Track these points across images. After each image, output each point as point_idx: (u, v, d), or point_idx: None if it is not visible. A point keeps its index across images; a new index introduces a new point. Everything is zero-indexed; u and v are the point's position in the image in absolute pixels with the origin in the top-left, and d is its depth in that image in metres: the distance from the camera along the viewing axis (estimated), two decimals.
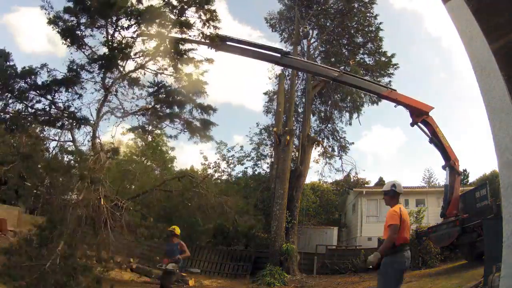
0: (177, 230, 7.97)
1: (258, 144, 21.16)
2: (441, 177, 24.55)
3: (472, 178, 27.35)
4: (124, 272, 12.49)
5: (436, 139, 10.40)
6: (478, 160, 54.33)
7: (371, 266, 4.34)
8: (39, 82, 11.49)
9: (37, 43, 59.13)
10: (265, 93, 22.08)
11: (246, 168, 21.34)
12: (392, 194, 4.41)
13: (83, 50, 11.72)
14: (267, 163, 21.05)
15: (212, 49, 11.58)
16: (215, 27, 11.68)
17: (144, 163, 18.90)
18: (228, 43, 11.36)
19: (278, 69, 20.72)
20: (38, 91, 11.57)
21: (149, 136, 15.38)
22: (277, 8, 22.49)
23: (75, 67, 11.58)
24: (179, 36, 11.74)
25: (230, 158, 20.25)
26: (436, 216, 12.03)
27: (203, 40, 11.64)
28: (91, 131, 12.05)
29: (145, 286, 10.88)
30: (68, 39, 11.36)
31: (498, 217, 6.88)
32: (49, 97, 11.63)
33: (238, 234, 17.39)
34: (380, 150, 57.05)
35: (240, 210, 15.16)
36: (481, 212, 8.94)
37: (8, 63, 11.32)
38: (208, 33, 11.37)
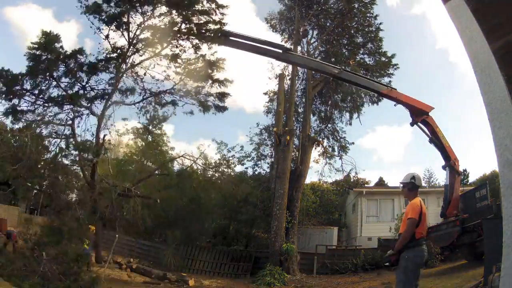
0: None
1: (258, 144, 21.16)
2: (441, 177, 24.55)
3: (472, 178, 27.38)
4: (124, 272, 12.49)
5: (436, 139, 10.40)
6: (478, 160, 54.33)
7: (387, 263, 4.31)
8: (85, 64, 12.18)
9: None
10: (265, 93, 22.11)
11: (247, 168, 21.37)
12: (411, 187, 4.35)
13: (126, 32, 12.42)
14: (267, 163, 21.07)
15: (214, 44, 11.85)
16: (223, 14, 12.35)
17: (144, 163, 18.92)
18: (231, 38, 11.55)
19: (278, 69, 20.76)
20: (81, 72, 12.21)
21: (157, 125, 16.01)
22: (278, 8, 22.51)
23: (116, 47, 12.45)
24: (188, 26, 12.24)
25: (231, 158, 20.24)
26: (436, 216, 12.01)
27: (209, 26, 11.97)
28: (96, 123, 12.29)
29: (145, 286, 10.88)
30: (112, 25, 12.00)
31: (498, 217, 6.89)
32: (87, 78, 12.26)
33: (238, 234, 17.42)
34: (385, 148, 57.13)
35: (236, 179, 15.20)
36: (481, 212, 8.93)
37: (55, 45, 11.66)
38: (218, 20, 11.88)
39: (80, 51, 11.97)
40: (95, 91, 12.74)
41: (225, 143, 20.02)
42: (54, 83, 12.17)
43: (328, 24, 20.51)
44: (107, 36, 12.35)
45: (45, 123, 12.35)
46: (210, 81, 13.80)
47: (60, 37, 11.77)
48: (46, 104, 12.22)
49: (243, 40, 11.52)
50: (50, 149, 13.57)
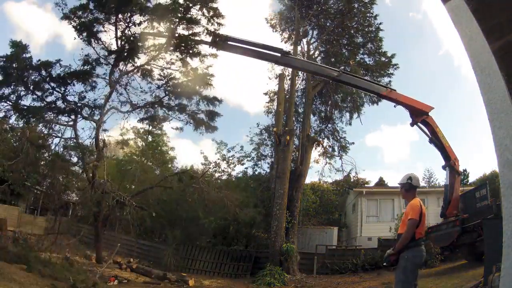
0: None
1: (258, 144, 21.16)
2: (441, 177, 24.53)
3: (472, 178, 27.31)
4: (124, 272, 12.48)
5: (436, 139, 10.40)
6: (478, 160, 54.35)
7: (385, 264, 4.32)
8: (54, 75, 12.08)
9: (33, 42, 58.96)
10: (265, 93, 22.10)
11: (246, 168, 21.39)
12: (408, 187, 4.35)
13: (98, 44, 12.34)
14: (267, 163, 21.07)
15: (213, 49, 11.84)
16: (219, 24, 12.07)
17: (144, 163, 18.93)
18: (229, 43, 11.43)
19: (278, 69, 20.76)
20: (52, 83, 12.09)
21: (157, 126, 16.03)
22: (278, 9, 22.53)
23: (90, 60, 12.15)
24: (185, 33, 12.19)
25: (230, 158, 20.23)
26: (436, 216, 12.01)
27: (207, 37, 12.02)
28: (95, 127, 12.35)
29: (145, 286, 10.88)
30: (83, 34, 11.87)
31: (498, 217, 6.88)
32: (62, 89, 12.20)
33: (238, 234, 17.39)
34: (390, 147, 57.18)
35: (241, 202, 15.25)
36: (481, 212, 8.93)
37: (24, 55, 11.65)
38: (212, 30, 11.83)
39: (48, 63, 11.80)
40: (72, 102, 12.62)
41: (224, 143, 20.02)
42: (29, 92, 12.11)
43: (328, 24, 20.50)
44: (89, 42, 12.19)
45: (47, 122, 12.38)
46: (198, 97, 13.77)
47: (28, 47, 11.80)
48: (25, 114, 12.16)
49: (240, 44, 11.39)
50: (51, 148, 13.64)
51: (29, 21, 52.77)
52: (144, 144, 19.30)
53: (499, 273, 4.24)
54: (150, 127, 15.83)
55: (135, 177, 16.17)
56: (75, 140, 12.65)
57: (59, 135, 12.99)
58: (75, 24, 11.78)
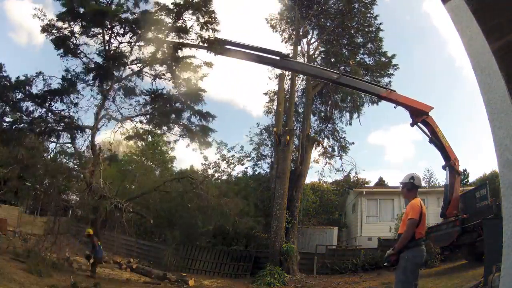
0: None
1: (258, 144, 21.16)
2: (441, 177, 24.54)
3: (472, 178, 27.36)
4: (124, 272, 12.48)
5: (436, 139, 10.41)
6: (478, 160, 54.36)
7: (386, 264, 4.32)
8: (34, 91, 11.60)
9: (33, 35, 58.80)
10: (266, 93, 22.09)
11: (246, 168, 21.38)
12: (410, 187, 4.35)
13: (78, 58, 11.89)
14: (267, 163, 21.08)
15: (210, 53, 11.52)
16: (214, 30, 11.69)
17: (144, 163, 18.89)
18: (227, 47, 11.19)
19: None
20: (33, 101, 11.59)
21: (148, 136, 15.60)
22: (278, 9, 22.53)
23: (69, 77, 11.69)
24: (176, 40, 11.75)
25: (230, 158, 20.24)
26: (436, 216, 12.01)
27: (201, 43, 11.59)
28: (90, 134, 12.16)
29: (145, 286, 10.88)
30: (61, 49, 11.43)
31: (498, 217, 6.88)
32: (45, 105, 11.73)
33: (238, 234, 17.39)
34: (395, 147, 57.21)
35: (241, 211, 15.17)
36: (481, 212, 8.93)
37: (1, 74, 11.25)
38: (207, 37, 11.42)
39: (24, 82, 11.24)
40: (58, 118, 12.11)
41: (225, 143, 20.01)
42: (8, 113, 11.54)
43: (328, 24, 20.49)
44: (65, 56, 11.62)
45: (43, 127, 12.16)
46: (190, 112, 13.35)
47: (4, 66, 11.25)
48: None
49: (238, 48, 11.13)
50: (48, 151, 13.54)
51: (30, 20, 52.62)
52: (143, 144, 19.28)
53: (499, 273, 4.24)
54: (150, 127, 15.75)
55: (135, 177, 16.16)
56: (70, 145, 12.43)
57: (55, 140, 12.84)
58: (52, 39, 11.24)
